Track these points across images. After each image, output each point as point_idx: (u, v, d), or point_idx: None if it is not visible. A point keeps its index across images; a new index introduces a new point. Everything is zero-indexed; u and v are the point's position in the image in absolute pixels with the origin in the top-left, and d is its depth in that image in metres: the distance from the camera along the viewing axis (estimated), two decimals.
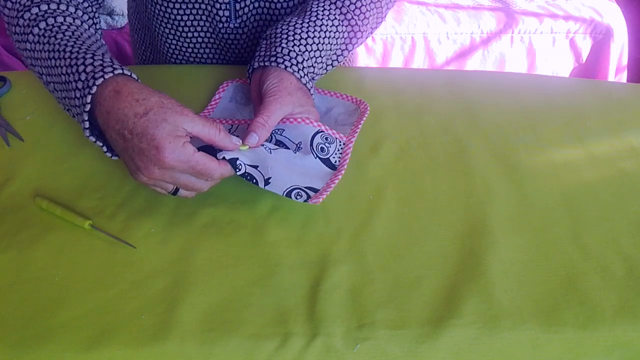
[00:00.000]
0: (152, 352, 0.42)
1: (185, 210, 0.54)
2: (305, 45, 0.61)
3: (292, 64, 0.59)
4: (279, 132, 0.58)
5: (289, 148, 0.58)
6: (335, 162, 0.58)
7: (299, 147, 0.58)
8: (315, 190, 0.53)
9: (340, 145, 0.60)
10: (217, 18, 0.73)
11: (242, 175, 0.52)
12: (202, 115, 0.52)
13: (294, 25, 0.62)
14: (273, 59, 0.59)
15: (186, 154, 0.48)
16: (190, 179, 0.50)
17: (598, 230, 0.52)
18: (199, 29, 0.75)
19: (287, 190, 0.52)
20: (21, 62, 1.63)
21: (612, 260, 0.49)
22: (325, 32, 0.63)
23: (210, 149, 0.52)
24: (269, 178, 0.52)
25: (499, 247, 0.50)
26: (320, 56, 0.63)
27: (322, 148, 0.58)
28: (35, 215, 0.53)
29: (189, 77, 0.75)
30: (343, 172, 0.56)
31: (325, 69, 0.66)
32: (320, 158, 0.57)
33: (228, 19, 0.73)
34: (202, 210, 0.54)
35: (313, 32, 0.62)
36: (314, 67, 0.62)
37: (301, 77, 0.59)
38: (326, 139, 0.59)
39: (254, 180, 0.52)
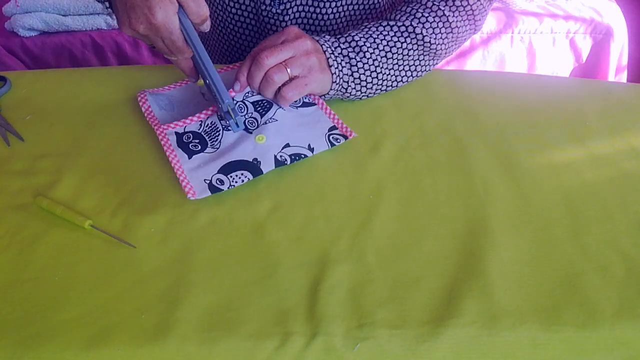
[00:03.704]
0: (152, 352, 0.42)
1: (185, 210, 0.54)
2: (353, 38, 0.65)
3: (319, 38, 0.64)
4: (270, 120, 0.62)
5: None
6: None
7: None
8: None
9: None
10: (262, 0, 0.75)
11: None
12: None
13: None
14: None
15: (173, 23, 0.54)
16: (164, 48, 0.57)
17: (598, 230, 0.52)
18: (242, 7, 0.77)
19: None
20: (21, 62, 1.63)
21: (612, 260, 0.49)
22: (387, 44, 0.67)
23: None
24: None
25: (499, 247, 0.50)
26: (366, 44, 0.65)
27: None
28: (35, 215, 0.53)
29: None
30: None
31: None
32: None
33: (272, 2, 0.74)
34: (202, 210, 0.54)
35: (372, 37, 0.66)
36: (350, 51, 0.64)
37: (322, 44, 0.63)
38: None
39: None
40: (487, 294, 0.46)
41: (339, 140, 0.61)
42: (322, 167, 0.59)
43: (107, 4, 0.57)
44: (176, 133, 0.61)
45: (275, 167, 0.57)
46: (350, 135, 0.61)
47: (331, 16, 0.77)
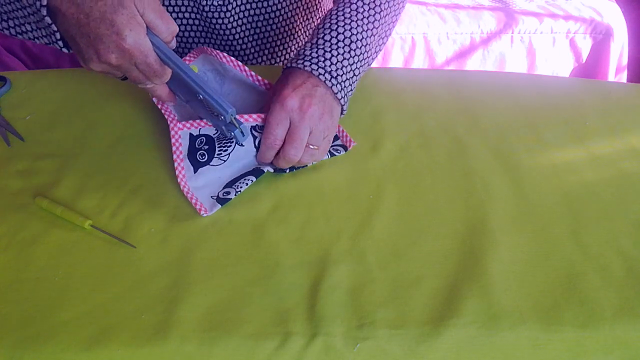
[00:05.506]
0: (152, 352, 0.42)
1: (185, 210, 0.54)
2: (336, 42, 0.59)
3: (310, 62, 0.57)
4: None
5: None
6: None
7: None
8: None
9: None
10: None
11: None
12: (162, 8, 0.49)
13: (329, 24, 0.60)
14: (294, 62, 0.58)
15: (146, 45, 0.47)
16: (139, 76, 0.50)
17: (598, 230, 0.52)
18: (183, 9, 0.73)
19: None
20: (21, 62, 1.63)
21: (612, 260, 0.49)
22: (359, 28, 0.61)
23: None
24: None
25: (499, 246, 0.50)
26: (356, 47, 0.59)
27: None
28: (35, 215, 0.53)
29: None
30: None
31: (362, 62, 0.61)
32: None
33: None
34: None
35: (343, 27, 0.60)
36: (344, 63, 0.59)
37: (319, 74, 0.56)
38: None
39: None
40: (487, 294, 0.46)
41: (339, 151, 0.60)
42: (321, 167, 0.59)
43: (60, 43, 0.50)
44: (190, 135, 0.58)
45: (275, 172, 0.57)
46: (350, 145, 0.60)
47: (277, 1, 0.73)
